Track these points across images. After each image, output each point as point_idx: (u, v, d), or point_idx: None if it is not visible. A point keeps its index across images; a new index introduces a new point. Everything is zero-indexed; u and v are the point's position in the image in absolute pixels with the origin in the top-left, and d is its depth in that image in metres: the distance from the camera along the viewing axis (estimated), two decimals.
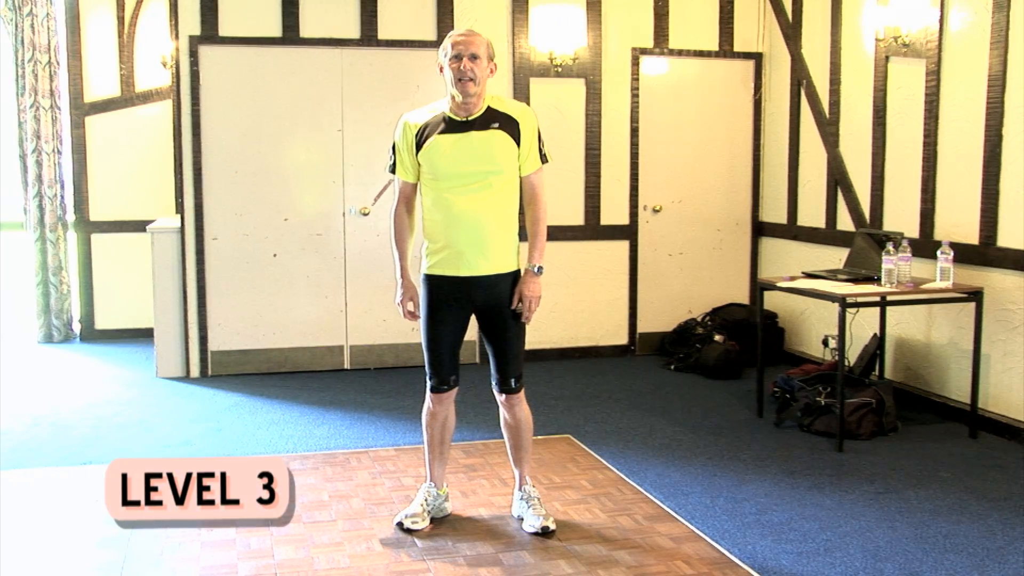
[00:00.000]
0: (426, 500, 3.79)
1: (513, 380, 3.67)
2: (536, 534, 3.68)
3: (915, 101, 5.46)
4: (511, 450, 3.83)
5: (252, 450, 4.76)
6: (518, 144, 3.56)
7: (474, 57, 3.46)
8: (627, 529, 3.76)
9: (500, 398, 3.72)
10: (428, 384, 3.71)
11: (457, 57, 3.46)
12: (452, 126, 3.54)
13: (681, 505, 4.02)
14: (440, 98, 3.63)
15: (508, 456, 3.88)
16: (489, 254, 3.57)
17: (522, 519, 3.78)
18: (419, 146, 3.56)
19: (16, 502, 4.04)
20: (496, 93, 3.70)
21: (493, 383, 3.70)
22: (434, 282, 3.63)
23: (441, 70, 3.54)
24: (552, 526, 3.70)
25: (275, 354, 6.43)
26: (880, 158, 5.77)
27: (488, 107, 3.56)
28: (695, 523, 3.82)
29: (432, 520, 3.80)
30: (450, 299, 3.62)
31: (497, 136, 3.54)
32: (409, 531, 3.69)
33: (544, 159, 3.65)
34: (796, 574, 3.36)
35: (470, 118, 3.54)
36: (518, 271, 3.67)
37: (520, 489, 3.84)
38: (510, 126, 3.56)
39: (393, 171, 3.66)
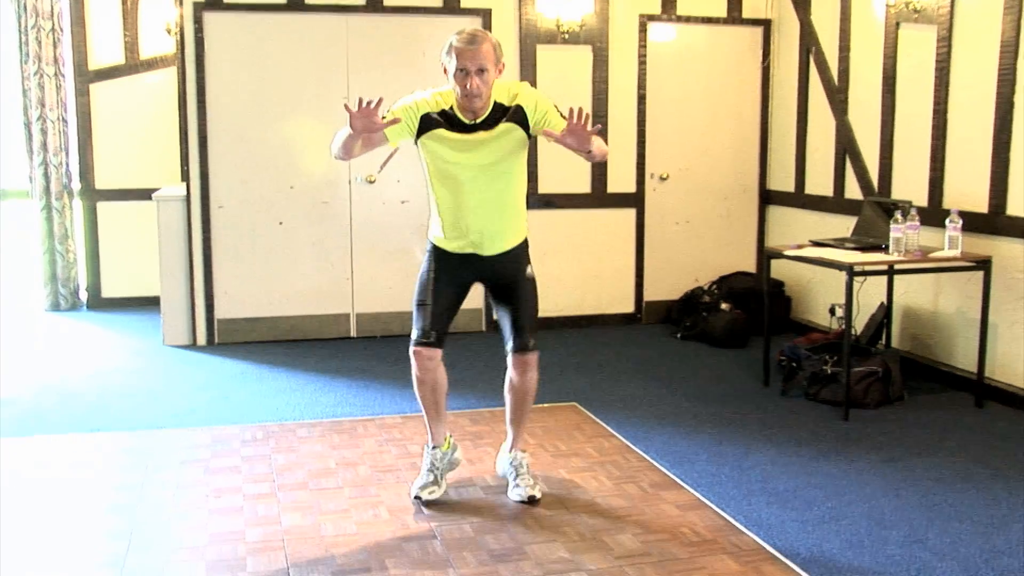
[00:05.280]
0: (433, 465, 3.77)
1: (530, 339, 3.62)
2: (522, 502, 3.68)
3: (925, 68, 5.40)
4: (512, 412, 3.80)
5: (259, 418, 4.78)
6: (527, 129, 3.45)
7: (481, 71, 3.33)
8: (633, 497, 3.76)
9: (515, 360, 3.64)
10: (412, 339, 3.59)
11: (463, 72, 3.33)
12: (459, 127, 3.43)
13: (687, 473, 4.03)
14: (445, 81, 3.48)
15: (506, 418, 3.84)
16: (498, 237, 3.57)
17: (508, 483, 3.79)
18: (422, 129, 3.44)
19: (23, 470, 4.06)
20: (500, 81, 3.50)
21: (508, 346, 3.63)
22: (442, 252, 3.61)
23: (445, 71, 3.40)
24: (538, 494, 3.70)
25: (281, 322, 6.43)
26: (889, 126, 5.72)
27: (494, 103, 3.44)
28: (701, 491, 3.83)
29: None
30: (457, 268, 3.61)
31: (506, 130, 3.44)
32: (428, 503, 3.67)
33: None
34: (801, 542, 3.37)
35: (478, 120, 3.43)
36: (526, 239, 3.66)
37: (511, 452, 3.83)
38: (518, 114, 3.45)
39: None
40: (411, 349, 3.60)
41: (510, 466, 3.81)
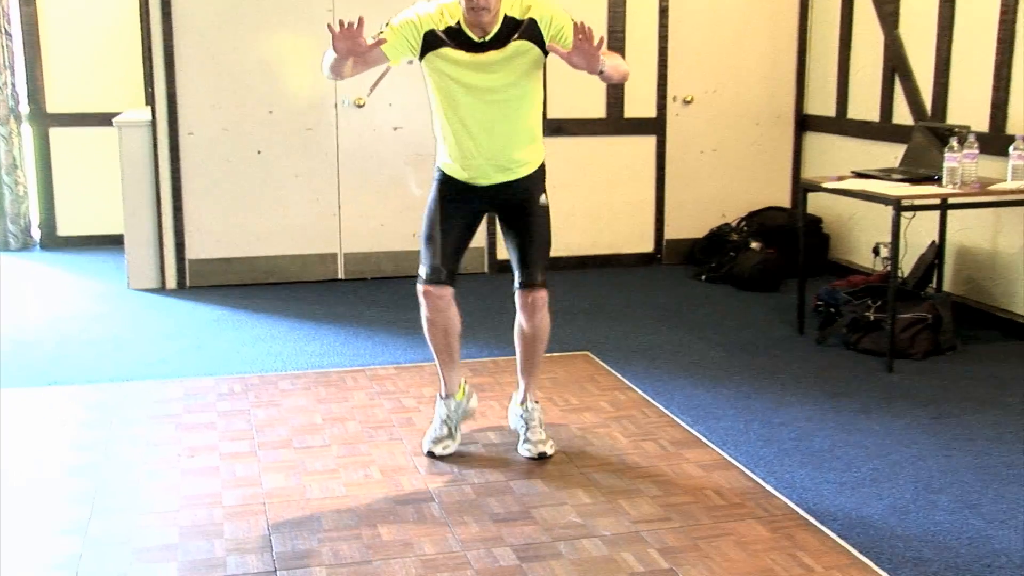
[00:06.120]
0: (448, 417, 3.79)
1: (539, 273, 3.62)
2: (531, 459, 3.72)
3: None
4: (522, 361, 3.82)
5: (236, 369, 4.79)
6: (543, 47, 3.44)
7: None
8: (652, 455, 3.78)
9: (523, 298, 3.65)
10: (420, 277, 3.61)
11: None
12: (468, 45, 3.42)
13: (711, 429, 4.04)
14: None
15: (516, 367, 3.87)
16: (511, 164, 3.57)
17: (519, 438, 3.82)
18: (426, 48, 3.43)
19: None
20: None
21: (516, 281, 3.64)
22: (451, 180, 3.63)
23: None
24: (550, 451, 3.75)
25: (260, 263, 6.43)
26: (946, 40, 5.64)
27: (504, 17, 3.41)
28: (727, 449, 3.84)
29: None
30: (466, 197, 3.62)
31: (519, 49, 3.43)
32: (442, 458, 3.71)
33: None
34: (839, 506, 3.38)
35: (488, 38, 3.42)
36: (542, 165, 3.67)
37: (522, 404, 3.86)
38: (531, 30, 3.43)
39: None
40: (419, 288, 3.62)
41: (520, 419, 3.85)
